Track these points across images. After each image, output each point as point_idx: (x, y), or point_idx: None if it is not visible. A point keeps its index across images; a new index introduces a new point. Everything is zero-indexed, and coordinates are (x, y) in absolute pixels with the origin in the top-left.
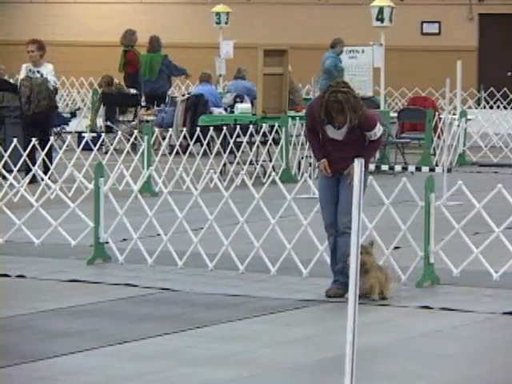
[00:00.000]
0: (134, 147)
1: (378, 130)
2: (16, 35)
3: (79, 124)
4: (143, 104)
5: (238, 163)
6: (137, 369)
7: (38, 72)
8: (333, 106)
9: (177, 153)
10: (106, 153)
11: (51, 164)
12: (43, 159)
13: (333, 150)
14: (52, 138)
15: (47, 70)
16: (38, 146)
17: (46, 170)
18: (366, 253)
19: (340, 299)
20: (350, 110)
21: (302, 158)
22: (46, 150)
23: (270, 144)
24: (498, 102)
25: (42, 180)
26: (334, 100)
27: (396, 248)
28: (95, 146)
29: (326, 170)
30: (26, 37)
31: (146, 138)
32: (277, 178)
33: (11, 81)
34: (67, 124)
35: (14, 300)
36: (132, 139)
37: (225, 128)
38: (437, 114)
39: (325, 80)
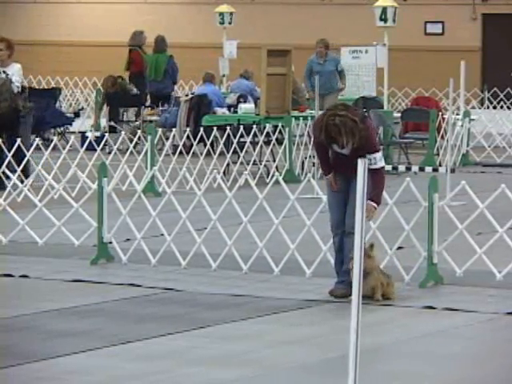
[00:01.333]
0: (135, 146)
1: (380, 159)
2: (19, 35)
3: (83, 124)
4: (148, 104)
5: (242, 163)
6: (140, 369)
7: (4, 72)
8: (331, 129)
9: (180, 153)
10: (110, 153)
11: (23, 167)
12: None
13: (342, 162)
14: (55, 138)
15: (13, 70)
16: (35, 147)
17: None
18: (366, 256)
19: (344, 299)
20: (347, 134)
21: (306, 158)
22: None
23: (274, 144)
24: (502, 102)
25: (23, 182)
26: (332, 124)
27: (399, 248)
28: (99, 146)
29: (333, 185)
30: (29, 37)
31: (149, 138)
32: (280, 178)
33: None
34: (71, 124)
35: (17, 300)
36: (135, 139)
37: (228, 128)
38: (440, 114)
39: None
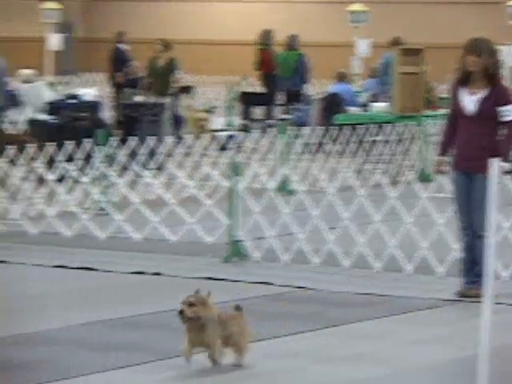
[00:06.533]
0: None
1: None
2: (144, 34)
3: (215, 122)
4: (279, 103)
5: (374, 162)
6: (270, 367)
7: None
8: (469, 44)
9: (312, 151)
10: (242, 152)
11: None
12: None
13: (465, 138)
14: (189, 137)
15: None
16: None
17: None
18: None
19: (477, 299)
20: (484, 52)
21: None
22: None
23: (406, 143)
24: None
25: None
26: (474, 39)
27: None
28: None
29: (442, 169)
30: (163, 36)
31: (281, 136)
32: (412, 177)
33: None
34: None
35: (150, 298)
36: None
37: (361, 127)
38: None
39: None
